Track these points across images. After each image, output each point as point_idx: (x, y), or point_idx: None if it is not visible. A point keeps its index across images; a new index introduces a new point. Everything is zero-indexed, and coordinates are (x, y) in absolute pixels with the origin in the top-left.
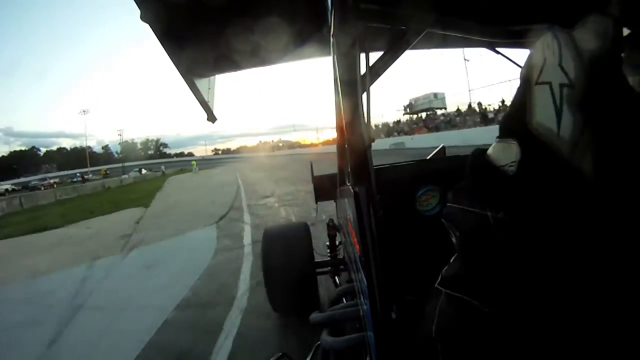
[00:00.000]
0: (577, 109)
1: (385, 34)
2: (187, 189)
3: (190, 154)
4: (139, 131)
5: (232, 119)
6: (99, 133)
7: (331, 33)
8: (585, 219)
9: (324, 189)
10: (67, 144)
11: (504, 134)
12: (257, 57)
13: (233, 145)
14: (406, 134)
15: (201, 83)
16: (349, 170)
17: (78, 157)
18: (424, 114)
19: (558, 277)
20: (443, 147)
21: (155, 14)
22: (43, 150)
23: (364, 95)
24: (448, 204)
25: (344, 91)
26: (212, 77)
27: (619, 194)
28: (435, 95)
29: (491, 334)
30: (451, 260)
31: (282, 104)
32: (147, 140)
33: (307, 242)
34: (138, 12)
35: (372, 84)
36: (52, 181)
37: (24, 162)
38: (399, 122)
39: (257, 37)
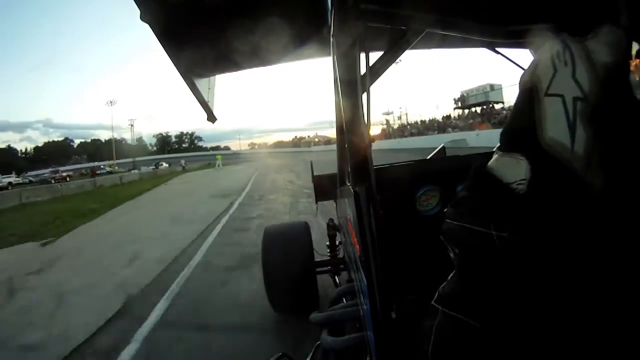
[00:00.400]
0: (589, 123)
1: (385, 34)
2: (168, 199)
3: (227, 148)
4: (176, 125)
5: (270, 115)
6: (136, 125)
7: (331, 33)
8: (599, 240)
9: (324, 188)
10: (106, 135)
11: (508, 147)
12: (257, 57)
13: (270, 139)
14: (460, 129)
15: (201, 83)
16: (349, 170)
17: (111, 149)
18: (479, 108)
19: (568, 300)
20: (443, 147)
21: (155, 14)
22: (77, 141)
23: (364, 95)
24: (447, 220)
25: (344, 91)
26: (212, 77)
27: (631, 211)
28: (491, 86)
29: (489, 356)
30: (449, 277)
31: (316, 101)
32: (182, 133)
33: (307, 242)
34: (138, 12)
35: (372, 84)
36: (64, 174)
37: (56, 153)
38: (449, 117)
39: (257, 37)
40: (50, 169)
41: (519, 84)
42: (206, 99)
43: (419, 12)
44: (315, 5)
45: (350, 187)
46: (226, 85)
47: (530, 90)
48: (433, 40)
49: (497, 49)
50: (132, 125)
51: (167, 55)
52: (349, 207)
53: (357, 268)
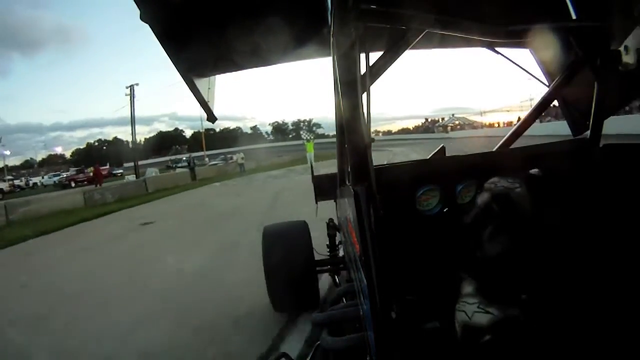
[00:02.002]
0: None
1: (385, 34)
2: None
3: None
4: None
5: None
6: (260, 115)
7: (331, 33)
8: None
9: (324, 188)
10: (229, 125)
11: None
12: (257, 57)
13: (393, 127)
14: None
15: (201, 83)
16: (349, 170)
17: (225, 138)
18: None
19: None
20: (443, 147)
21: (155, 14)
22: (190, 132)
23: (364, 95)
24: None
25: (344, 91)
26: (212, 77)
27: None
28: None
29: None
30: None
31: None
32: (299, 121)
33: (307, 241)
34: (138, 12)
35: (372, 84)
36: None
37: (162, 144)
38: None
39: (257, 37)
40: (75, 169)
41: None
42: (206, 99)
43: (419, 12)
44: (315, 5)
45: (350, 187)
46: (245, 82)
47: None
48: (433, 40)
49: (497, 49)
50: (131, 95)
51: (167, 55)
52: (349, 207)
53: (357, 268)
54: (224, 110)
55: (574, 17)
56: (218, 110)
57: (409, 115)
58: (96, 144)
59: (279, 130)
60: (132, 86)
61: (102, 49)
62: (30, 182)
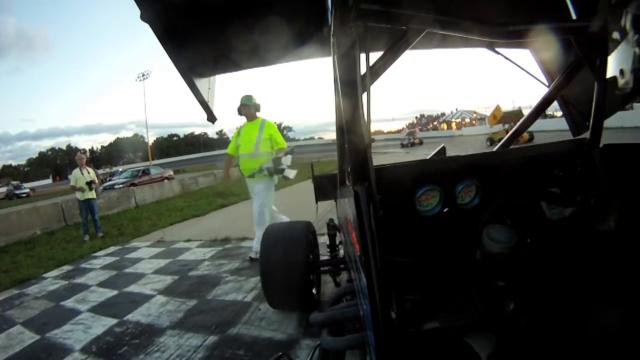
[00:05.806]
0: None
1: (385, 34)
2: None
3: (320, 139)
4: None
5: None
6: (228, 121)
7: (331, 33)
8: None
9: (324, 188)
10: (198, 132)
11: None
12: (257, 57)
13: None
14: None
15: (201, 83)
16: (349, 170)
17: (188, 144)
18: None
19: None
20: (443, 147)
21: (155, 13)
22: (152, 138)
23: (364, 95)
24: None
25: (344, 91)
26: (212, 77)
27: None
28: None
29: None
30: None
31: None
32: None
33: (308, 241)
34: (138, 11)
35: (372, 84)
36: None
37: (120, 151)
38: None
39: (257, 36)
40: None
41: None
42: (206, 99)
43: (419, 12)
44: (315, 5)
45: (350, 187)
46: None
47: None
48: (433, 40)
49: (497, 49)
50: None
51: (167, 55)
52: (349, 207)
53: (357, 268)
54: (189, 116)
55: (574, 17)
56: (184, 115)
57: (407, 115)
58: (49, 153)
59: None
60: None
61: (72, 54)
62: None
